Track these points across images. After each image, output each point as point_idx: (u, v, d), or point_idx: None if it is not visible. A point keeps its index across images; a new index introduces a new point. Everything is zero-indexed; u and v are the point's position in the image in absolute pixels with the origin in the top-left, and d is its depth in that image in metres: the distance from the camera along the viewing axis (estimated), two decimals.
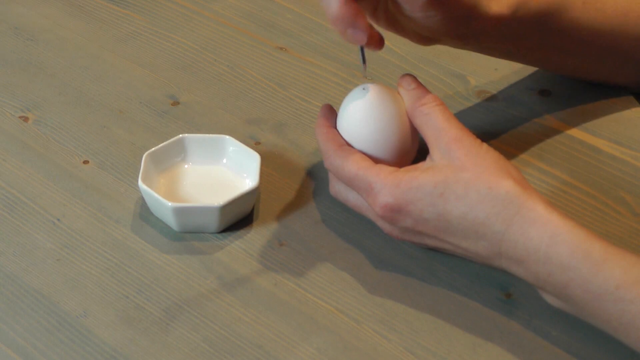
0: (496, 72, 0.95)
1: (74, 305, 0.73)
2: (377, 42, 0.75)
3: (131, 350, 0.70)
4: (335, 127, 0.77)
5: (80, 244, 0.78)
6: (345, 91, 0.78)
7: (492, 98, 0.92)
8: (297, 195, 0.82)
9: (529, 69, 0.95)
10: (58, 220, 0.80)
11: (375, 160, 0.75)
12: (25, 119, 0.90)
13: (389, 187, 0.71)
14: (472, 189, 0.69)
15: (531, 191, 0.69)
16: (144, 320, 0.72)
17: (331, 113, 0.78)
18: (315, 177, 0.84)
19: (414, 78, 0.76)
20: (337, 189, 0.77)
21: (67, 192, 0.82)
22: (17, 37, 1.01)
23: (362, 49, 0.76)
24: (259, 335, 0.71)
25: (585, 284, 0.65)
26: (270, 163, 0.85)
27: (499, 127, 0.89)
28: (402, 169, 0.72)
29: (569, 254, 0.65)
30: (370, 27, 0.74)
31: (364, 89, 0.76)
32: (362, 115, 0.75)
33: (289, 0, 1.06)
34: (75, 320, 0.72)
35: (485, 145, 0.72)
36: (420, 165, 0.73)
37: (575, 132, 0.88)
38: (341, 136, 0.76)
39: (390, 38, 0.77)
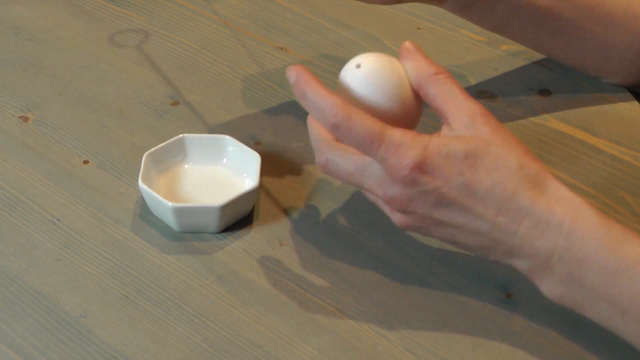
0: (496, 72, 0.95)
1: (74, 305, 0.73)
2: None
3: (131, 350, 0.70)
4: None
5: (80, 244, 0.78)
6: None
7: (492, 98, 0.92)
8: (297, 195, 0.82)
9: (529, 69, 0.95)
10: (58, 220, 0.80)
11: None
12: (25, 119, 0.90)
13: (417, 147, 0.68)
14: (503, 164, 0.67)
15: (554, 177, 0.69)
16: (144, 320, 0.72)
17: (310, 74, 0.73)
18: (315, 177, 0.84)
19: (418, 46, 0.73)
20: (328, 157, 0.71)
21: (67, 192, 0.82)
22: (17, 37, 1.01)
23: None
24: (259, 335, 0.71)
25: (603, 259, 0.65)
26: (270, 163, 0.85)
27: None
28: (426, 134, 0.69)
29: (591, 228, 0.65)
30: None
31: (357, 65, 0.72)
32: (359, 95, 0.71)
33: (289, 0, 1.06)
34: (75, 320, 0.72)
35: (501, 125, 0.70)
36: (444, 132, 0.70)
37: (575, 132, 0.88)
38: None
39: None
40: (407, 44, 0.73)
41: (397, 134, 0.68)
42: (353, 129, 0.68)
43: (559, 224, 0.66)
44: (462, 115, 0.69)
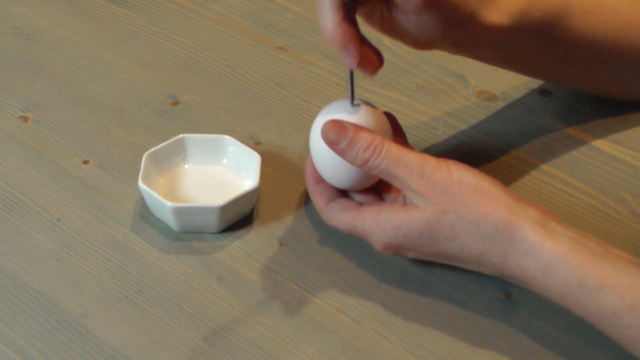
0: (496, 72, 0.95)
1: (74, 305, 0.73)
2: (370, 67, 0.72)
3: (131, 350, 0.70)
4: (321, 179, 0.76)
5: (80, 244, 0.78)
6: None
7: (492, 98, 0.92)
8: (297, 195, 0.82)
9: None
10: (58, 220, 0.80)
11: (350, 183, 0.74)
12: (25, 119, 0.90)
13: (378, 233, 0.72)
14: (460, 230, 0.69)
15: (519, 213, 0.68)
16: (144, 320, 0.72)
17: (314, 168, 0.77)
18: None
19: (338, 126, 0.73)
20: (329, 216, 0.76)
21: (67, 192, 0.82)
22: (17, 37, 1.01)
23: (351, 77, 0.73)
24: (259, 335, 0.71)
25: (583, 310, 0.66)
26: (270, 163, 0.85)
27: (499, 127, 0.89)
28: (384, 208, 0.72)
29: (563, 284, 0.66)
30: (370, 51, 0.72)
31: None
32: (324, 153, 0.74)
33: (289, 0, 1.06)
34: (75, 320, 0.72)
35: (454, 173, 0.70)
36: (400, 203, 0.72)
37: (575, 132, 0.88)
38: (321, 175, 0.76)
39: (390, 38, 0.77)
40: (325, 127, 0.73)
41: (359, 226, 0.72)
42: (339, 228, 0.74)
43: (532, 278, 0.68)
44: (409, 189, 0.70)
